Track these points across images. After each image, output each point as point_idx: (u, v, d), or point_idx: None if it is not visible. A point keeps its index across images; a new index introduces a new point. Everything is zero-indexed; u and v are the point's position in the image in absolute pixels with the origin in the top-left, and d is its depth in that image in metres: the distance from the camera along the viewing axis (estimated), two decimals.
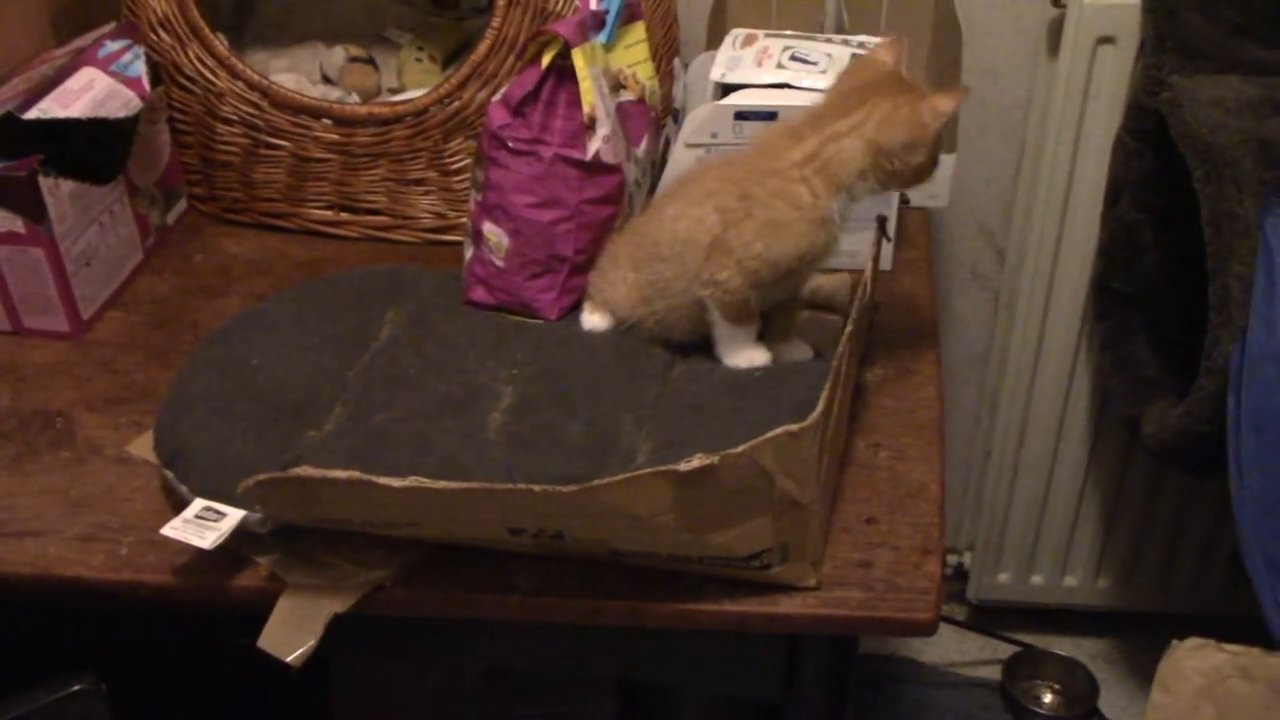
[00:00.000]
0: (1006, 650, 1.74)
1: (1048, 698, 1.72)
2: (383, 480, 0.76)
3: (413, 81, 1.32)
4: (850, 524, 0.90)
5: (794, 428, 0.76)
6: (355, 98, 1.29)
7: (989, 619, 1.77)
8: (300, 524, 0.85)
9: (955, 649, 1.79)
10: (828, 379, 0.83)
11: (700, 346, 1.01)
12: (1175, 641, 0.94)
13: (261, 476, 0.79)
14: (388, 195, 1.22)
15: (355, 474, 0.76)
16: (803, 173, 0.94)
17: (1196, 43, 1.25)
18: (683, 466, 0.74)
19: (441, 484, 0.76)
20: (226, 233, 1.26)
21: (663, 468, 0.74)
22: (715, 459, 0.75)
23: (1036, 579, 1.70)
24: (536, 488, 0.76)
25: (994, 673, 1.74)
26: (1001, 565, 1.70)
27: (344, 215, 1.24)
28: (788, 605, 0.84)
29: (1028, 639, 1.75)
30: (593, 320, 1.03)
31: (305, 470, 0.78)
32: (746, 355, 0.99)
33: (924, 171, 0.95)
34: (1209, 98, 1.19)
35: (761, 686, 0.99)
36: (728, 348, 0.99)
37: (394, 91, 1.33)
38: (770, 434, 0.76)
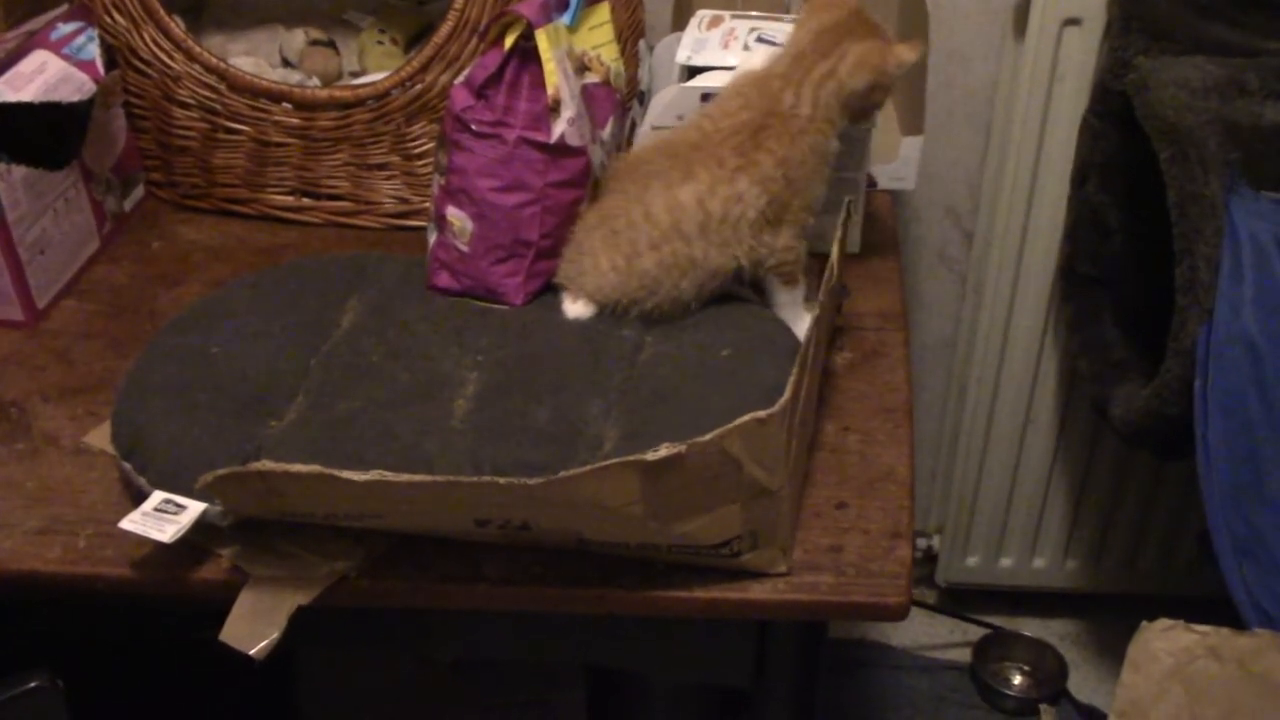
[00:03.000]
0: (976, 633, 1.75)
1: (1017, 679, 1.73)
2: (345, 474, 0.75)
3: (374, 65, 1.30)
4: (820, 509, 0.89)
5: (762, 414, 0.75)
6: (316, 81, 1.27)
7: (958, 602, 1.77)
8: (262, 517, 0.83)
9: (925, 632, 1.80)
10: (795, 363, 0.82)
11: (670, 328, 0.99)
12: (1145, 623, 0.94)
13: (221, 471, 0.78)
14: (350, 180, 1.20)
15: (317, 468, 0.75)
16: (816, 124, 0.99)
17: (1162, 24, 1.25)
18: (650, 456, 0.73)
19: (405, 477, 0.75)
20: (185, 219, 1.24)
21: (630, 458, 0.73)
22: (683, 447, 0.74)
23: (1005, 561, 1.71)
24: (502, 480, 0.75)
25: (964, 655, 1.74)
26: (970, 548, 1.70)
27: (305, 201, 1.22)
28: (758, 591, 0.84)
29: (997, 621, 1.76)
30: (576, 309, 1.01)
31: (266, 465, 0.76)
32: (804, 319, 1.01)
33: (879, 108, 1.05)
34: (1175, 79, 1.19)
35: (732, 673, 0.98)
36: (792, 313, 1.03)
37: (355, 75, 1.31)
38: (738, 421, 0.75)
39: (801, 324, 1.01)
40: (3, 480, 0.93)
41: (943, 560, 1.72)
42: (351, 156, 1.19)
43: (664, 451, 0.74)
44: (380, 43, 1.31)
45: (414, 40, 1.35)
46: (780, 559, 0.84)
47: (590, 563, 0.85)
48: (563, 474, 0.74)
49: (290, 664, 1.22)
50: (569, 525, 0.81)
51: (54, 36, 1.12)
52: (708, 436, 0.74)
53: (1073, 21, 1.32)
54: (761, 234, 0.99)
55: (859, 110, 1.02)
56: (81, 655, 0.90)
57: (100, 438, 0.95)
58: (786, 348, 0.96)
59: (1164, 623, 0.94)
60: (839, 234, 0.99)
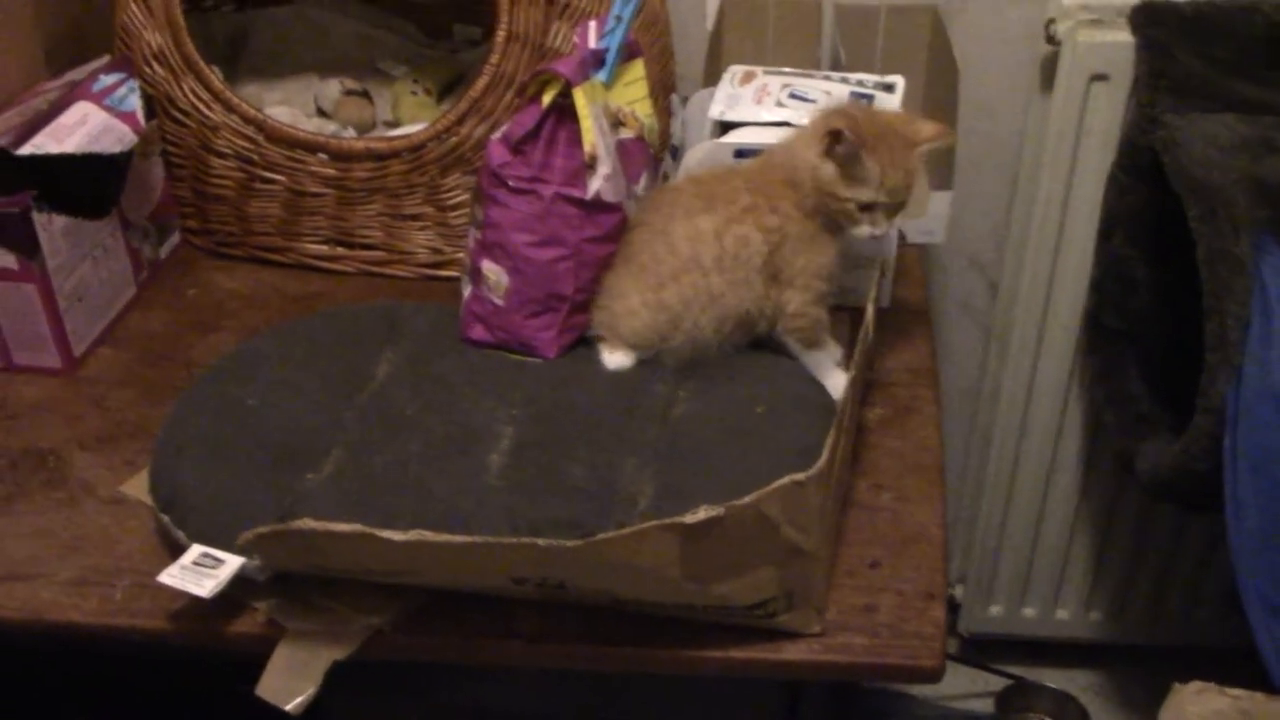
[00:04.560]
0: (998, 683, 1.74)
1: None
2: (385, 533, 0.75)
3: (408, 115, 1.31)
4: (853, 567, 0.89)
5: (800, 477, 0.76)
6: (350, 131, 1.29)
7: (981, 651, 1.76)
8: (300, 572, 0.84)
9: (947, 682, 1.76)
10: (832, 424, 0.83)
11: (703, 382, 1.00)
12: (1177, 685, 0.94)
13: (263, 529, 0.78)
14: (383, 230, 1.21)
15: (357, 527, 0.75)
16: (825, 193, 0.99)
17: (1190, 81, 1.26)
18: (689, 519, 0.74)
19: (444, 537, 0.75)
20: (220, 267, 1.25)
21: (669, 520, 0.74)
22: (721, 510, 0.74)
23: (1028, 611, 1.70)
24: (541, 541, 0.75)
25: (986, 705, 1.73)
26: (993, 598, 1.69)
27: (339, 250, 1.23)
28: (792, 651, 0.84)
29: (1019, 671, 1.75)
30: (615, 359, 1.03)
31: (307, 523, 0.77)
32: (836, 376, 1.01)
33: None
34: (1204, 136, 1.19)
35: None
36: (822, 372, 1.02)
37: (389, 124, 1.33)
38: (776, 484, 0.75)
39: (833, 381, 1.01)
40: (40, 529, 0.94)
41: (965, 610, 1.72)
42: (386, 207, 1.20)
43: (702, 514, 0.74)
44: (414, 93, 1.33)
45: (447, 89, 1.37)
46: (815, 620, 0.84)
47: (624, 621, 0.85)
48: (601, 536, 0.75)
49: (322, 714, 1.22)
50: (605, 585, 0.81)
51: (96, 88, 1.13)
52: (746, 499, 0.75)
53: (1100, 77, 1.32)
54: (770, 287, 1.01)
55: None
56: (119, 706, 0.90)
57: (137, 487, 0.96)
58: (820, 405, 0.97)
59: (1197, 685, 0.93)
60: (873, 292, 1.00)
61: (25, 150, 1.04)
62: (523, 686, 1.01)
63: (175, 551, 0.87)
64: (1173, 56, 1.26)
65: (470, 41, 1.46)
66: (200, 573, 0.82)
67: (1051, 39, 1.35)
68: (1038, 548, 1.64)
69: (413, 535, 0.75)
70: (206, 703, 1.09)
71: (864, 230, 0.99)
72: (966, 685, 1.78)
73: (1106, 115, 1.35)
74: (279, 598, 0.85)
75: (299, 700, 0.80)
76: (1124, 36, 1.30)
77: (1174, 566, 1.63)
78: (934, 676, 0.84)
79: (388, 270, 1.23)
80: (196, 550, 0.84)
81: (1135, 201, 1.34)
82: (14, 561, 0.91)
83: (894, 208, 1.00)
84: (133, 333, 1.16)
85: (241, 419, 0.96)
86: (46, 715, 0.84)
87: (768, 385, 0.99)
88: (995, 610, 1.70)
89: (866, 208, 0.98)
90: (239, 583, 0.84)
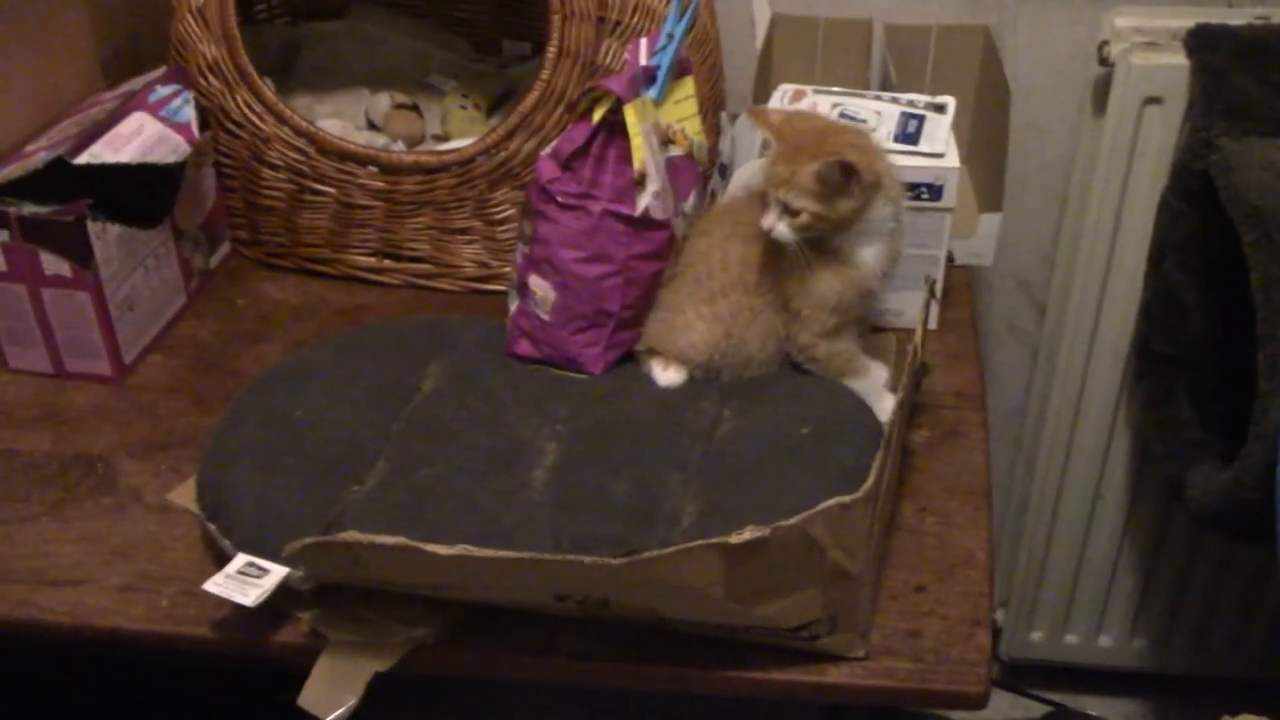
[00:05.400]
0: (1039, 710, 1.72)
1: None
2: (430, 547, 0.75)
3: (457, 129, 1.32)
4: (898, 591, 0.89)
5: (846, 499, 0.75)
6: (400, 144, 1.29)
7: (1021, 677, 1.74)
8: (344, 583, 0.84)
9: (987, 707, 1.77)
10: (880, 447, 0.82)
11: (748, 401, 1.00)
12: (1226, 717, 0.92)
13: (307, 541, 0.79)
14: (431, 243, 1.22)
15: (403, 541, 0.76)
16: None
17: (1246, 105, 1.24)
18: (734, 539, 0.73)
19: (489, 553, 0.75)
20: (269, 277, 1.26)
21: (714, 540, 0.73)
22: (767, 531, 0.74)
23: (1070, 638, 1.68)
24: (586, 559, 0.75)
25: None
26: (1035, 623, 1.67)
27: (387, 262, 1.24)
28: (835, 675, 0.83)
29: (1060, 699, 1.73)
30: (668, 376, 1.03)
31: (353, 535, 0.77)
32: (884, 398, 1.01)
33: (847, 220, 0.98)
34: (1260, 161, 1.18)
35: None
36: (867, 398, 1.01)
37: (438, 138, 1.34)
38: (822, 505, 0.75)
39: (881, 404, 1.00)
40: (89, 535, 0.94)
41: (1006, 635, 1.70)
42: (434, 220, 1.21)
43: (748, 534, 0.74)
44: (463, 108, 1.34)
45: (496, 105, 1.37)
46: (859, 644, 0.83)
47: (666, 640, 0.84)
48: (645, 555, 0.75)
49: None
50: (648, 603, 0.81)
51: (152, 99, 1.15)
52: (792, 520, 0.74)
53: (1154, 100, 1.31)
54: (782, 316, 1.01)
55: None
56: (162, 715, 0.91)
57: (184, 495, 0.96)
58: (866, 426, 0.96)
59: (1246, 718, 0.92)
60: (923, 314, 0.99)
61: (82, 159, 1.06)
62: (558, 704, 1.01)
63: (221, 560, 0.88)
64: (1228, 80, 1.25)
65: (520, 57, 1.46)
66: (245, 582, 0.83)
67: (1104, 61, 1.33)
68: (1081, 573, 1.62)
69: (457, 550, 0.75)
70: (248, 713, 1.09)
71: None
72: (1006, 711, 1.77)
73: (1159, 139, 1.34)
74: (322, 608, 0.86)
75: (340, 711, 0.81)
76: (1178, 59, 1.28)
77: (1221, 596, 1.61)
78: (979, 703, 0.83)
79: (435, 283, 1.23)
80: (242, 559, 0.85)
81: (1187, 226, 1.32)
82: (62, 567, 0.91)
83: (785, 208, 0.96)
84: (183, 342, 1.17)
85: (289, 430, 0.96)
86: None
87: (814, 405, 0.99)
88: (1037, 636, 1.68)
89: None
90: (283, 593, 0.84)
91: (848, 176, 0.94)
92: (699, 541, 0.74)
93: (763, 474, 0.91)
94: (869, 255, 0.99)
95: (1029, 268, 1.54)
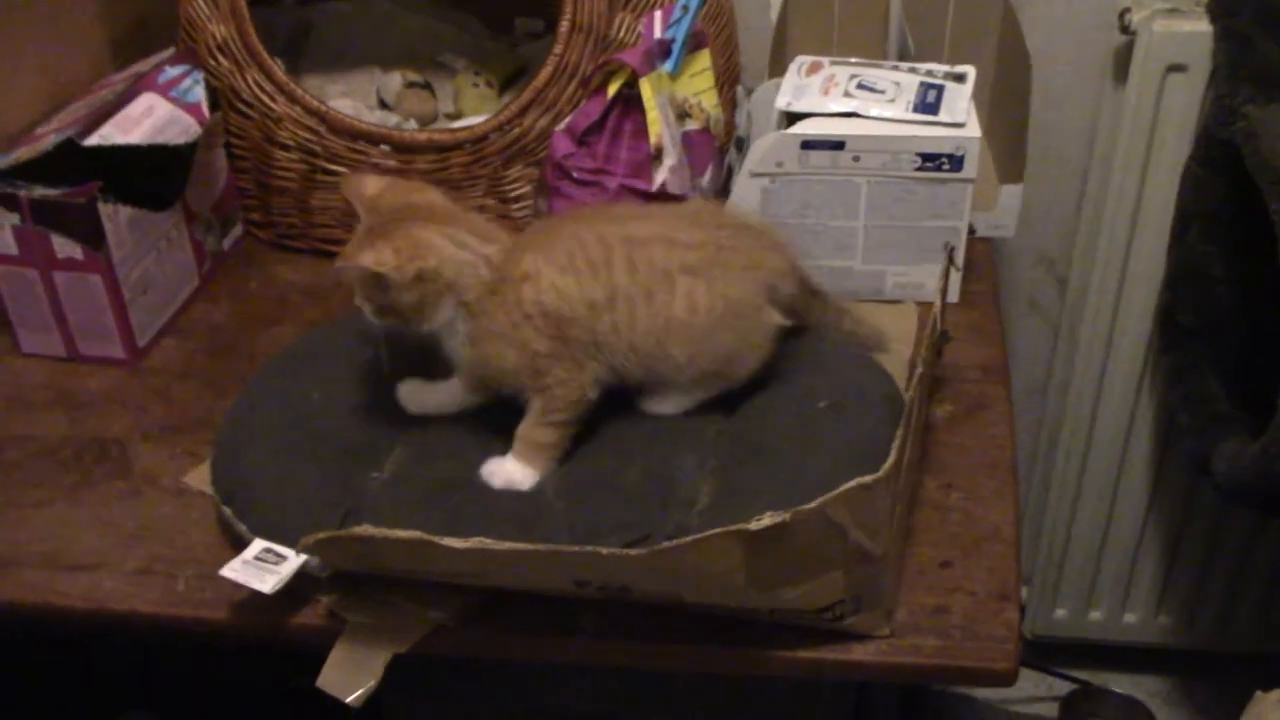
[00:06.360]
0: (1063, 687, 1.71)
1: None
2: (446, 541, 0.74)
3: (469, 107, 1.31)
4: (924, 568, 0.87)
5: (868, 480, 0.74)
6: (413, 123, 1.28)
7: (1045, 655, 1.73)
8: (361, 571, 0.83)
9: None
10: (899, 422, 0.80)
11: (763, 375, 0.98)
12: (1259, 693, 0.91)
13: (322, 535, 0.78)
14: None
15: (418, 534, 0.74)
16: None
17: (1271, 71, 1.22)
18: (754, 525, 0.71)
19: (505, 545, 0.74)
20: (282, 259, 1.25)
21: (733, 527, 0.72)
22: (787, 516, 0.72)
23: (1095, 615, 1.67)
24: (604, 550, 0.74)
25: (1050, 710, 1.70)
26: (1059, 600, 1.66)
27: None
28: (860, 652, 0.82)
29: (1085, 676, 1.71)
30: None
31: (367, 529, 0.76)
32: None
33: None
34: None
35: None
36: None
37: (450, 117, 1.32)
38: (843, 488, 0.73)
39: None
40: (104, 519, 0.94)
41: (1030, 612, 1.68)
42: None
43: (768, 520, 0.72)
44: (475, 85, 1.32)
45: (508, 83, 1.36)
46: (884, 622, 0.82)
47: (689, 620, 0.83)
48: (664, 545, 0.73)
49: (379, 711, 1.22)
50: (669, 589, 0.80)
51: (161, 80, 1.14)
52: (812, 504, 0.72)
53: (1177, 68, 1.29)
54: None
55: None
56: (179, 698, 0.90)
57: (200, 479, 0.95)
58: (885, 398, 0.95)
59: (1279, 694, 0.91)
60: (941, 283, 0.97)
61: (92, 141, 1.05)
62: (580, 683, 1.00)
63: (237, 543, 0.87)
64: (1252, 45, 1.22)
65: (532, 35, 1.45)
66: (262, 568, 0.82)
67: (1126, 29, 1.31)
68: (1106, 550, 1.61)
69: (473, 543, 0.74)
70: (266, 695, 1.09)
71: None
72: (1030, 689, 1.75)
73: (1183, 107, 1.32)
74: (340, 592, 0.85)
75: (359, 693, 0.80)
76: (1202, 26, 1.26)
77: (1248, 572, 1.59)
78: (1007, 680, 0.81)
79: None
80: (258, 545, 0.84)
81: (1212, 196, 1.30)
82: (78, 551, 0.91)
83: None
84: (196, 325, 1.16)
85: (304, 413, 0.95)
86: (106, 706, 0.84)
87: (830, 377, 0.97)
88: (1061, 613, 1.67)
89: None
90: (300, 577, 0.83)
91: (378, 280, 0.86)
92: (718, 530, 0.72)
93: (780, 452, 0.90)
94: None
95: (1049, 242, 1.52)
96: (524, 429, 0.90)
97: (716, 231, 0.91)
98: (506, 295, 0.87)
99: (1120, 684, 1.71)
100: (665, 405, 0.94)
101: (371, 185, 0.92)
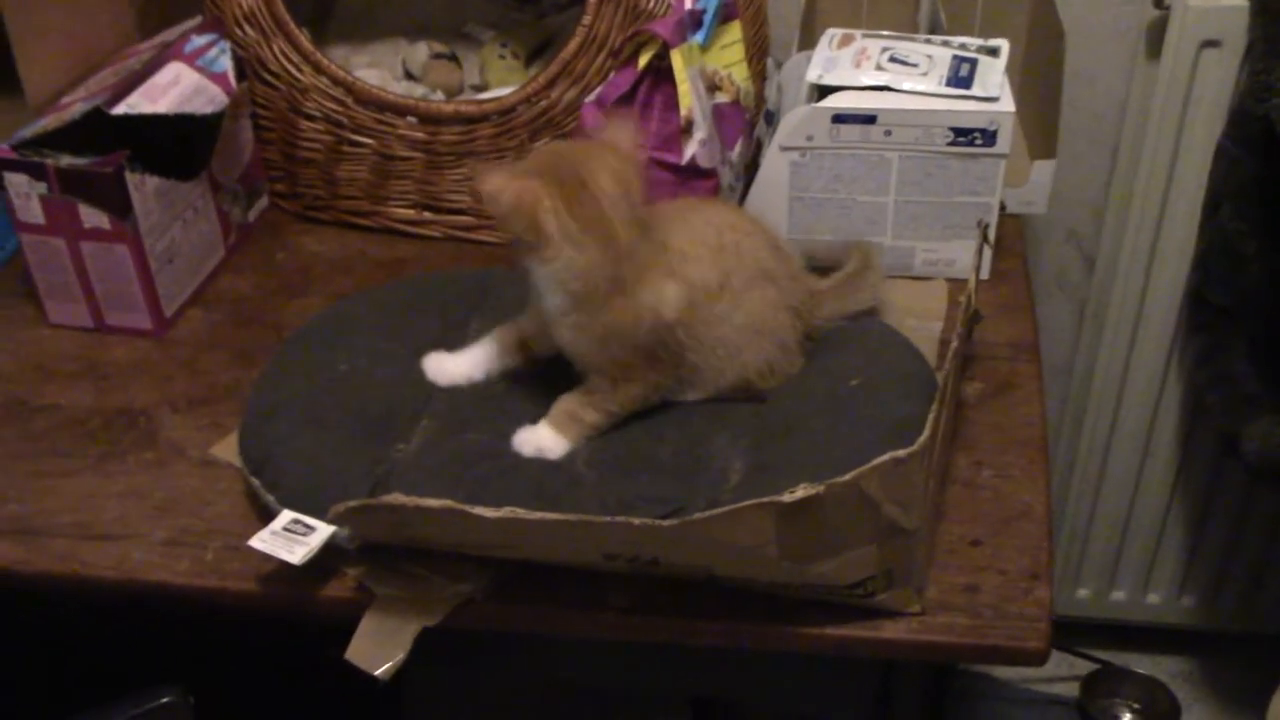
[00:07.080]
0: (1085, 667, 1.70)
1: (1127, 718, 1.68)
2: (476, 510, 0.74)
3: (496, 79, 1.30)
4: (954, 546, 0.87)
5: (901, 454, 0.73)
6: (439, 94, 1.27)
7: (1067, 635, 1.72)
8: (390, 543, 0.83)
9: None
10: (932, 398, 0.80)
11: None
12: None
13: (352, 504, 0.78)
14: (472, 195, 1.20)
15: (449, 503, 0.74)
16: None
17: None
18: (786, 497, 0.71)
19: (536, 515, 0.74)
20: (307, 230, 1.25)
21: (766, 499, 0.71)
22: (820, 488, 0.71)
23: (1118, 595, 1.66)
24: (635, 521, 0.73)
25: (1071, 690, 1.70)
26: (1082, 580, 1.66)
27: (427, 214, 1.22)
28: (890, 630, 0.81)
29: (1107, 656, 1.71)
30: None
31: (398, 498, 0.76)
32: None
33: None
34: None
35: (853, 708, 0.96)
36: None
37: (476, 88, 1.31)
38: (876, 461, 0.73)
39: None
40: (132, 490, 0.94)
41: (1052, 591, 1.68)
42: (474, 171, 1.19)
43: (800, 493, 0.72)
44: (502, 57, 1.31)
45: (535, 54, 1.35)
46: (915, 599, 0.81)
47: (718, 595, 0.83)
48: (696, 516, 0.73)
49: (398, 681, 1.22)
50: (699, 562, 0.79)
51: (188, 49, 1.13)
52: (846, 477, 0.72)
53: (1211, 43, 1.27)
54: None
55: None
56: (209, 669, 0.90)
57: (227, 450, 0.95)
58: (917, 375, 0.94)
59: None
60: (975, 260, 0.96)
61: (119, 110, 1.04)
62: (607, 657, 1.00)
63: (265, 514, 0.87)
64: None
65: (557, 5, 1.43)
66: (291, 539, 0.82)
67: (1160, 3, 1.30)
68: (1129, 530, 1.60)
69: (504, 512, 0.74)
70: (294, 666, 1.09)
71: None
72: (1051, 669, 1.75)
73: (1216, 83, 1.30)
74: (369, 565, 0.84)
75: (388, 666, 0.80)
76: (1237, 1, 1.25)
77: (1272, 553, 1.58)
78: (1039, 659, 0.81)
79: (475, 235, 1.21)
80: (287, 516, 0.84)
81: (1245, 173, 1.29)
82: (106, 521, 0.91)
83: None
84: (222, 295, 1.16)
85: (332, 384, 0.95)
86: (132, 676, 0.84)
87: (863, 355, 0.96)
88: (1083, 593, 1.66)
89: None
90: (328, 549, 0.83)
91: None
92: (751, 501, 0.72)
93: (812, 428, 0.89)
94: None
95: (1079, 219, 1.51)
96: (569, 402, 0.90)
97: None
98: (626, 301, 0.87)
99: (1142, 665, 1.71)
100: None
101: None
